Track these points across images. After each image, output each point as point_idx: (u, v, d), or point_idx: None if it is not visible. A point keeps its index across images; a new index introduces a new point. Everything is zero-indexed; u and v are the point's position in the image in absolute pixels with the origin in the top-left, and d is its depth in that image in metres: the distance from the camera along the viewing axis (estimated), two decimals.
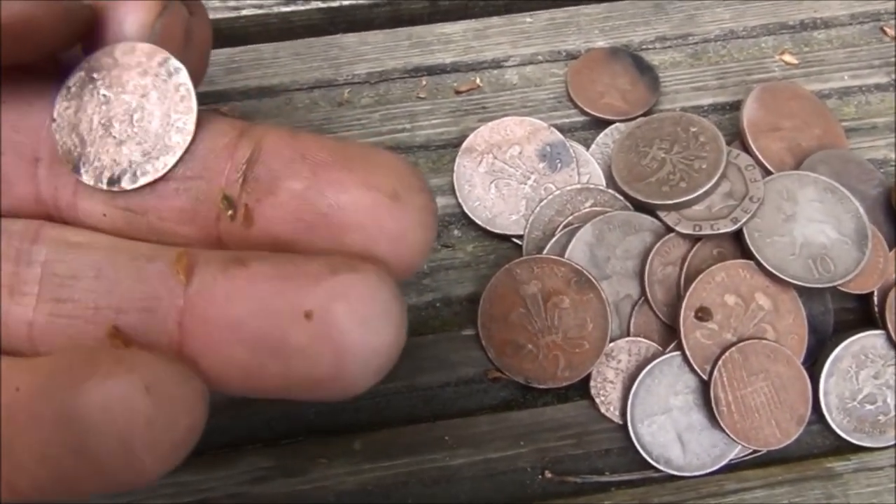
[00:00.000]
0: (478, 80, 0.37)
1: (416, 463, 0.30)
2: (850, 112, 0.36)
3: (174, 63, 0.19)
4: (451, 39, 0.38)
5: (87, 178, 0.19)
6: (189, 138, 0.19)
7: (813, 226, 0.31)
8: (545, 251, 0.32)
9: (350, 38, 0.37)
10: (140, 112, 0.19)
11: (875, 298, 0.31)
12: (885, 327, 0.31)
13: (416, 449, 0.30)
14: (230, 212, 0.18)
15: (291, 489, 0.30)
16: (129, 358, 0.16)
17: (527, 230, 0.33)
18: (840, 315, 0.32)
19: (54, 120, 0.19)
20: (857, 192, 0.32)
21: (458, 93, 0.36)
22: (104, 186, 0.19)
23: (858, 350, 0.31)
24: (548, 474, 0.30)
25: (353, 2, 0.39)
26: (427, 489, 0.30)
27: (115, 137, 0.19)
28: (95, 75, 0.19)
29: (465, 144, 0.34)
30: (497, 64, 0.37)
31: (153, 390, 0.15)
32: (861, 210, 0.31)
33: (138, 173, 0.19)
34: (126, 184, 0.19)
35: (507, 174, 0.34)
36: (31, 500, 0.16)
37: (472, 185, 0.34)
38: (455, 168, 0.34)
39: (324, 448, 0.30)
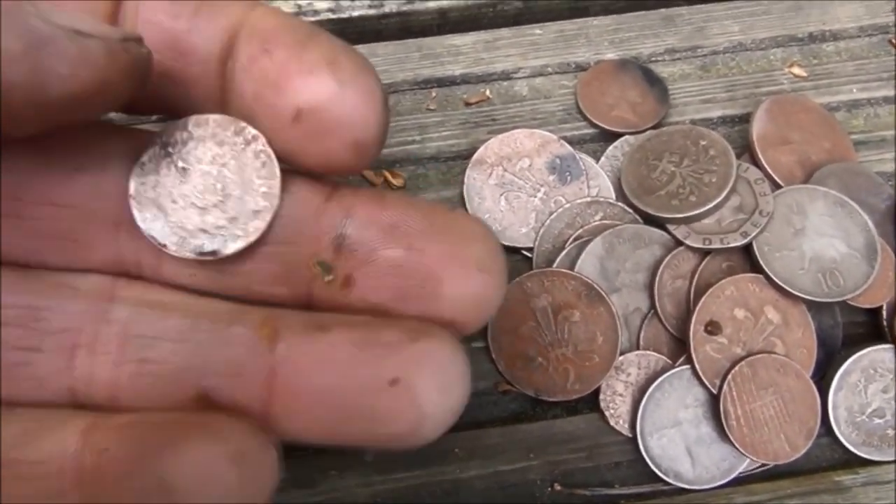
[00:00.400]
0: (487, 92, 0.37)
1: (427, 475, 0.30)
2: (859, 125, 0.36)
3: (250, 131, 0.19)
4: (461, 51, 0.38)
5: (173, 251, 0.19)
6: (276, 202, 0.19)
7: (822, 240, 0.31)
8: (555, 264, 0.32)
9: (360, 50, 0.37)
10: (221, 181, 0.19)
11: (884, 312, 0.32)
12: (893, 341, 0.31)
13: (427, 461, 0.30)
14: (329, 278, 0.19)
15: (303, 501, 0.30)
16: (215, 424, 0.17)
17: (537, 243, 0.33)
18: (849, 329, 0.32)
19: (132, 196, 0.19)
20: (866, 205, 0.32)
21: (467, 105, 0.37)
22: (192, 256, 0.19)
23: (867, 364, 0.31)
24: (557, 487, 0.30)
25: (363, 13, 0.39)
26: (437, 501, 0.30)
27: (198, 207, 0.19)
28: (171, 149, 0.19)
29: (475, 157, 0.34)
30: (507, 76, 0.37)
31: (240, 462, 0.16)
32: (870, 224, 0.31)
33: (228, 239, 0.19)
34: (218, 252, 0.19)
35: (517, 187, 0.34)
36: None
37: (482, 198, 0.34)
38: (465, 180, 0.34)
39: (335, 460, 0.30)
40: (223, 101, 0.19)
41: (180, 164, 0.19)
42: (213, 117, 0.19)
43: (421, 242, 0.18)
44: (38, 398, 0.18)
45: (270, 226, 0.19)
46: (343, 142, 0.17)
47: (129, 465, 0.16)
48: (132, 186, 0.19)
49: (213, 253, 0.19)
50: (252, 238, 0.19)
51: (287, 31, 0.17)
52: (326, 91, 0.17)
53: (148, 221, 0.19)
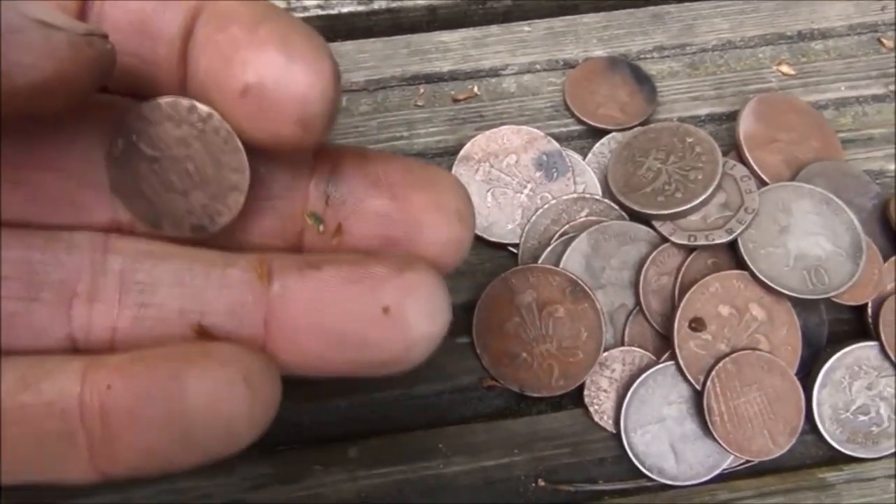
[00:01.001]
0: (475, 89, 0.37)
1: (412, 470, 0.30)
2: (847, 123, 0.36)
3: (203, 109, 0.19)
4: (450, 48, 0.38)
5: (170, 231, 0.20)
6: (247, 174, 0.19)
7: (808, 238, 0.31)
8: (540, 260, 0.32)
9: (348, 46, 0.38)
10: (193, 163, 0.19)
11: (869, 310, 0.32)
12: (878, 339, 0.31)
13: (412, 457, 0.30)
14: (321, 228, 0.20)
15: (288, 496, 0.30)
16: (220, 350, 0.18)
17: (522, 239, 0.33)
18: (834, 326, 0.32)
19: (114, 190, 0.20)
20: (852, 204, 0.32)
21: (455, 101, 0.37)
22: (190, 234, 0.20)
23: (852, 361, 0.31)
24: (541, 483, 0.30)
25: (352, 9, 0.39)
26: (422, 497, 0.30)
27: (178, 192, 0.19)
28: (135, 138, 0.19)
29: (461, 153, 0.34)
30: (495, 72, 0.37)
31: (250, 381, 0.17)
32: (856, 222, 0.31)
33: (214, 216, 0.20)
34: (209, 227, 0.20)
35: (504, 183, 0.34)
36: (122, 480, 0.18)
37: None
38: None
39: (320, 455, 0.30)
40: (182, 82, 0.19)
41: (149, 152, 0.19)
42: (164, 100, 0.19)
43: (404, 193, 0.20)
44: (36, 346, 0.19)
45: (248, 198, 0.19)
46: (289, 118, 0.17)
47: (137, 397, 0.17)
48: (110, 179, 0.19)
49: (204, 228, 0.20)
50: (235, 212, 0.20)
51: (244, 10, 0.18)
52: (274, 66, 0.17)
53: (136, 210, 0.20)
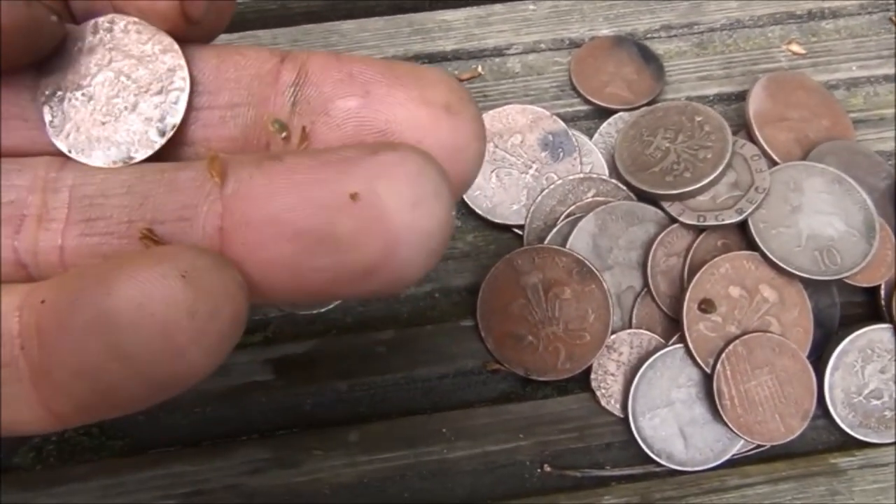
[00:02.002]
0: (479, 68, 0.36)
1: (414, 455, 0.29)
2: (858, 103, 0.36)
3: (102, 20, 0.18)
4: (453, 27, 0.37)
5: (139, 158, 0.18)
6: (179, 51, 0.18)
7: (820, 217, 0.31)
8: (546, 241, 0.31)
9: (349, 25, 0.37)
10: (124, 74, 0.18)
11: (882, 292, 0.31)
12: (892, 321, 0.30)
13: (414, 441, 0.30)
14: (284, 134, 0.18)
15: (287, 481, 0.29)
16: (160, 251, 0.15)
17: (528, 220, 0.32)
18: (847, 308, 0.31)
19: (53, 126, 0.18)
20: (865, 183, 0.31)
21: (459, 81, 0.36)
22: (159, 143, 0.18)
23: (865, 344, 0.30)
24: (547, 468, 0.29)
25: None
26: (424, 482, 0.29)
27: (129, 109, 0.18)
28: (61, 91, 0.18)
29: None
30: (499, 52, 0.37)
31: (191, 278, 0.14)
32: (869, 202, 0.31)
33: (169, 116, 0.18)
34: (157, 139, 0.18)
35: (509, 163, 0.33)
36: (76, 422, 0.16)
37: None
38: None
39: (320, 440, 0.30)
40: None
41: (79, 94, 0.18)
42: (71, 27, 0.18)
43: (380, 89, 0.17)
44: None
45: (195, 78, 0.18)
46: None
47: (65, 306, 0.15)
48: (47, 121, 0.18)
49: (164, 134, 0.18)
50: (179, 115, 0.18)
51: None
52: None
53: (94, 158, 0.18)
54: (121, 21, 0.18)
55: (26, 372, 0.15)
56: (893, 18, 0.37)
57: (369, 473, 0.29)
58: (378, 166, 0.15)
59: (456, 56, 0.36)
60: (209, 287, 0.15)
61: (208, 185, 0.17)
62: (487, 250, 0.33)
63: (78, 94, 0.18)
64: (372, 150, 0.16)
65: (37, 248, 0.17)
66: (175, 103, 0.18)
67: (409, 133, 0.17)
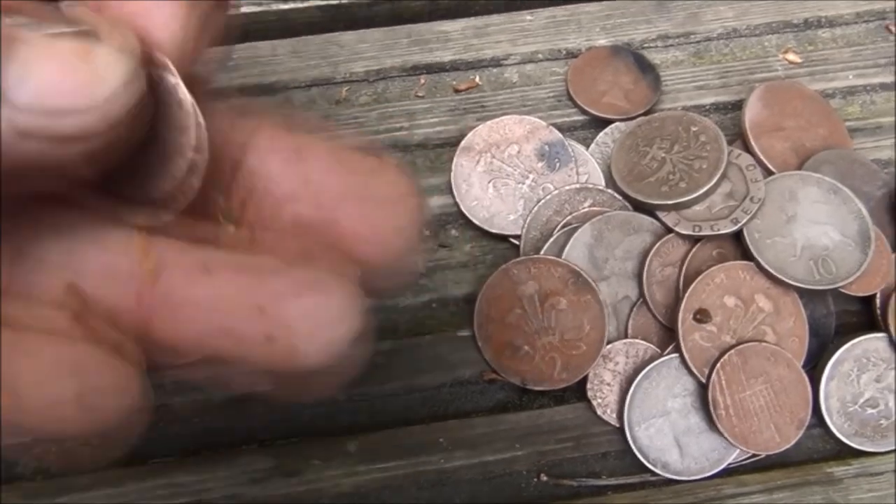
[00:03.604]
0: (477, 79, 0.36)
1: (412, 465, 0.30)
2: (855, 112, 0.36)
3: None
4: (451, 37, 0.37)
5: None
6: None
7: (815, 227, 0.31)
8: (543, 251, 0.32)
9: (348, 36, 0.37)
10: None
11: (878, 301, 0.31)
12: (887, 330, 0.30)
13: (412, 451, 0.30)
14: (232, 231, 0.18)
15: (287, 490, 0.29)
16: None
17: (524, 230, 0.32)
18: (842, 318, 0.32)
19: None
20: (861, 193, 0.32)
21: (457, 91, 0.36)
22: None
23: (860, 353, 0.30)
24: (544, 477, 0.30)
25: (355, 0, 0.38)
26: (422, 492, 0.29)
27: None
28: None
29: (463, 143, 0.34)
30: (497, 62, 0.37)
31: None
32: (864, 211, 0.31)
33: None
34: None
35: (506, 173, 0.33)
36: None
37: (469, 185, 0.33)
38: (453, 167, 0.34)
39: (319, 449, 0.30)
40: None
41: None
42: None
43: (333, 202, 0.17)
44: None
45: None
46: None
47: None
48: None
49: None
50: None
51: None
52: None
53: None
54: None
55: None
56: (890, 27, 0.37)
57: (368, 483, 0.29)
58: (289, 282, 0.16)
59: (454, 66, 0.37)
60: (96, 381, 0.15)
61: (137, 258, 0.17)
62: (484, 260, 0.33)
63: None
64: (288, 262, 0.16)
65: None
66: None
67: (357, 250, 0.17)
